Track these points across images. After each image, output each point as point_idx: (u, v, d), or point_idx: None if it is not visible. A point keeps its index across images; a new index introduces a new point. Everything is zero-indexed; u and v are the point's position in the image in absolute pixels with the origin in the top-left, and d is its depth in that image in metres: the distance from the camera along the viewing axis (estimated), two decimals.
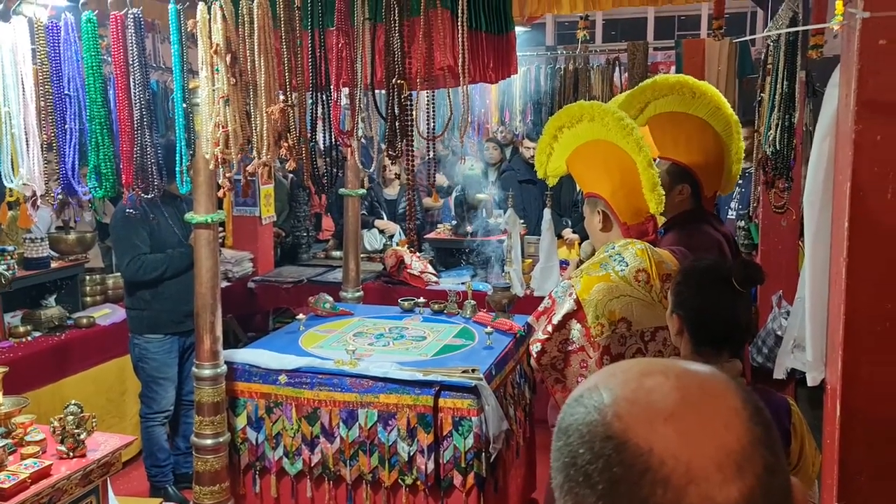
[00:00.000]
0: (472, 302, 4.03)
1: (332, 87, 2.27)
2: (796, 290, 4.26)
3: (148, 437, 3.96)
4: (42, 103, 2.28)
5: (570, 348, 2.29)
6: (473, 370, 3.12)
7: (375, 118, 2.36)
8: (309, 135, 2.25)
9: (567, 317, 2.27)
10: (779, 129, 2.57)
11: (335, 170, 2.37)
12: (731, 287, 1.78)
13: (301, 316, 3.91)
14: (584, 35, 5.83)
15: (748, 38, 5.27)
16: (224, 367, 3.16)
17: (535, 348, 2.32)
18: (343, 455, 3.17)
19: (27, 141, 2.25)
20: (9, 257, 3.81)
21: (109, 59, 2.47)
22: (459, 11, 2.43)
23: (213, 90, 2.20)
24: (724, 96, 3.31)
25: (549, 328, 2.29)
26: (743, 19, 15.40)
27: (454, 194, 5.91)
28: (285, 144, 2.17)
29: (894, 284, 1.48)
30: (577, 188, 5.72)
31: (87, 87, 2.29)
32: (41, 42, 2.30)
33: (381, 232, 6.07)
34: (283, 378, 3.23)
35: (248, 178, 2.24)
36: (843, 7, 1.51)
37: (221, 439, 3.16)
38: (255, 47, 2.14)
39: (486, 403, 3.04)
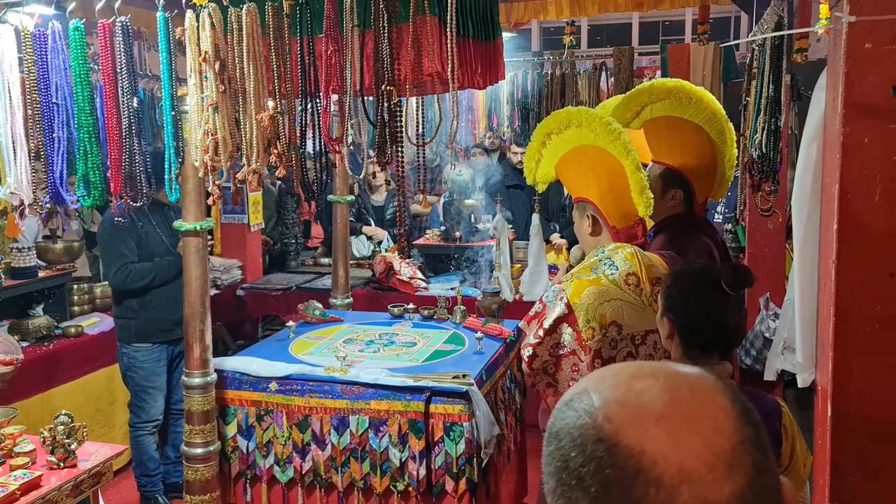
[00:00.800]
0: (462, 307, 4.04)
1: (321, 93, 2.27)
2: (784, 292, 4.29)
3: (137, 446, 3.93)
4: (29, 111, 2.26)
5: (561, 352, 2.30)
6: (464, 375, 3.12)
7: (365, 124, 2.36)
8: (298, 142, 2.25)
9: (558, 321, 2.28)
10: (765, 132, 2.60)
11: (324, 176, 2.37)
12: (721, 290, 1.79)
13: (291, 323, 3.89)
14: (571, 40, 5.87)
15: (733, 42, 5.31)
16: (214, 376, 3.15)
17: (526, 352, 2.32)
18: (334, 462, 3.16)
19: (14, 150, 2.24)
20: None
21: (97, 67, 2.47)
22: (447, 18, 2.44)
23: (202, 98, 2.19)
24: None
25: (541, 332, 2.29)
26: (727, 24, 15.53)
27: (442, 200, 5.92)
28: (275, 151, 2.16)
29: (883, 286, 1.49)
30: (566, 193, 5.74)
31: (74, 95, 2.28)
32: (28, 50, 2.29)
33: (369, 238, 6.07)
34: (273, 385, 3.21)
35: (238, 185, 2.24)
36: (828, 11, 1.53)
37: (212, 448, 3.14)
38: (244, 54, 2.13)
39: (477, 409, 3.04)
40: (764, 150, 2.60)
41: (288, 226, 6.01)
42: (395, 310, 4.18)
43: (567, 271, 3.34)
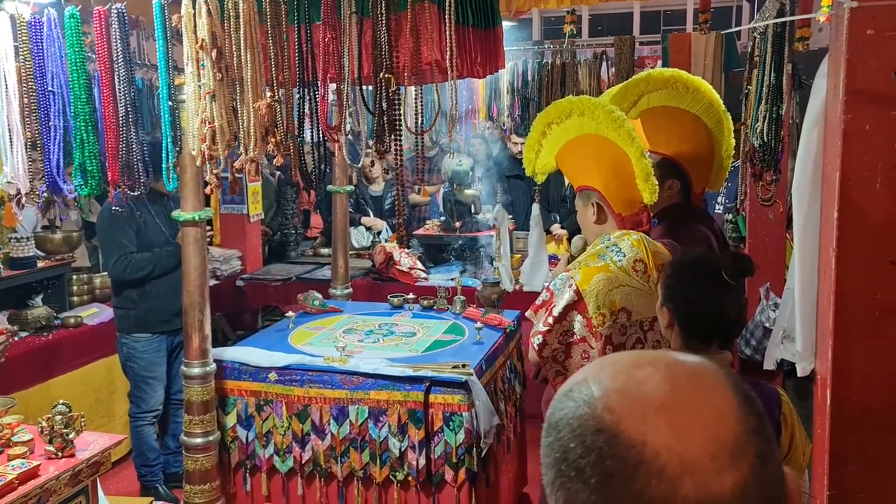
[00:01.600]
0: (462, 298, 4.03)
1: (318, 81, 2.26)
2: (784, 282, 4.29)
3: (137, 436, 3.94)
4: (25, 100, 2.25)
5: (571, 340, 2.31)
6: (464, 365, 3.12)
7: (363, 113, 2.35)
8: (296, 130, 2.24)
9: (568, 308, 2.29)
10: (766, 121, 2.58)
11: (323, 166, 2.36)
12: (721, 280, 1.78)
13: (290, 313, 3.89)
14: (571, 30, 5.83)
15: (734, 30, 5.28)
16: (213, 366, 3.15)
17: (536, 340, 2.32)
18: (334, 452, 3.16)
19: (11, 139, 2.22)
20: None
21: (94, 56, 2.45)
22: (446, 5, 2.42)
23: (199, 86, 2.18)
24: None
25: (550, 320, 2.30)
26: (728, 13, 15.47)
27: (442, 190, 5.90)
28: (272, 140, 2.15)
29: (884, 274, 1.48)
30: (566, 183, 5.73)
31: (70, 83, 2.26)
32: (24, 39, 2.27)
33: (369, 229, 6.06)
34: (272, 376, 3.21)
35: (236, 174, 2.22)
36: None
37: (211, 438, 3.14)
38: (241, 42, 2.12)
39: (476, 399, 3.04)
40: (765, 138, 2.59)
41: (287, 216, 6.00)
42: (395, 300, 4.17)
43: (568, 261, 3.34)
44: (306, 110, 2.26)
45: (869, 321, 1.50)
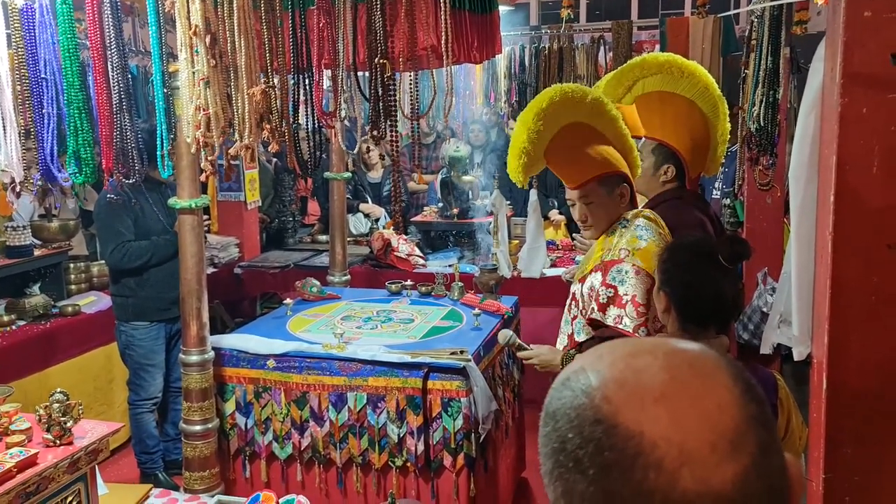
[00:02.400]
0: (460, 284, 4.03)
1: (313, 67, 2.24)
2: (782, 266, 4.29)
3: (137, 424, 3.95)
4: (18, 88, 2.23)
5: (657, 326, 2.27)
6: (462, 352, 3.12)
7: (359, 99, 2.33)
8: (291, 117, 2.22)
9: (648, 293, 2.23)
10: (763, 105, 2.57)
11: (319, 152, 2.35)
12: (718, 263, 1.78)
13: (288, 300, 3.89)
14: (569, 14, 5.80)
15: (732, 12, 5.26)
16: (211, 353, 3.15)
17: (641, 333, 2.24)
18: (333, 438, 3.17)
19: (4, 127, 2.21)
20: None
21: (87, 43, 2.43)
22: None
23: (193, 72, 2.16)
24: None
25: (640, 309, 2.23)
26: None
27: (440, 176, 5.89)
28: (267, 127, 2.14)
29: (880, 258, 1.48)
30: None
31: (63, 70, 2.25)
32: (16, 26, 2.25)
33: (367, 216, 6.05)
34: (271, 363, 3.22)
35: (231, 161, 2.21)
36: None
37: (210, 425, 3.15)
38: (235, 28, 2.10)
39: (474, 384, 3.05)
40: (762, 122, 2.58)
41: (285, 203, 5.99)
42: (393, 286, 4.17)
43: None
44: (301, 97, 2.25)
45: (865, 305, 1.50)
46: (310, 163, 2.27)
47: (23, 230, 4.13)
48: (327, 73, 2.51)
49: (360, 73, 2.62)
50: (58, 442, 2.15)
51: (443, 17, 2.39)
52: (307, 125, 2.26)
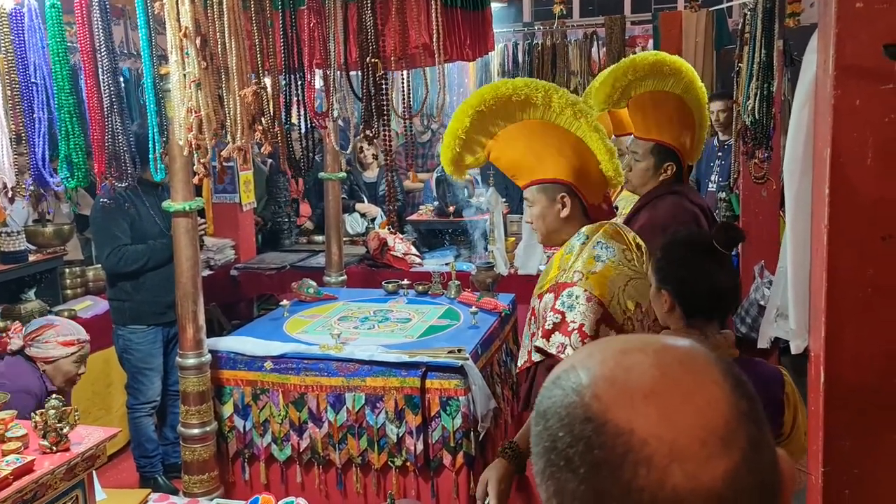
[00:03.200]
0: (457, 282, 4.03)
1: (305, 68, 2.23)
2: (777, 260, 4.29)
3: (136, 428, 3.93)
4: (9, 93, 2.22)
5: None
6: (459, 350, 3.12)
7: (351, 99, 2.32)
8: (284, 118, 2.21)
9: (598, 323, 2.04)
10: (757, 98, 2.57)
11: (311, 154, 2.34)
12: (713, 255, 1.79)
13: (285, 302, 3.88)
14: (561, 10, 5.79)
15: (725, 5, 5.25)
16: (208, 356, 3.14)
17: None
18: (332, 439, 3.17)
19: None
20: None
21: (77, 46, 2.42)
22: None
23: (184, 75, 2.15)
24: (701, 68, 3.31)
25: (586, 341, 2.01)
26: None
27: (435, 175, 5.88)
28: (259, 128, 2.13)
29: (876, 250, 1.47)
30: None
31: (53, 74, 2.24)
32: (5, 30, 2.24)
33: (363, 215, 6.04)
34: (268, 364, 3.21)
35: (224, 163, 2.20)
36: None
37: (208, 428, 3.14)
38: (225, 29, 2.09)
39: (472, 383, 3.04)
40: (756, 116, 2.58)
41: (280, 204, 5.98)
42: (390, 286, 4.16)
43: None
44: (293, 97, 2.24)
45: (861, 298, 1.49)
46: (302, 164, 2.26)
47: (17, 235, 4.11)
48: (319, 72, 2.50)
49: (352, 73, 2.61)
50: (54, 448, 2.14)
51: (434, 14, 2.38)
52: (300, 126, 2.25)
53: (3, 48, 2.19)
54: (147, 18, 2.18)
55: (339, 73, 2.30)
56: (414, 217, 5.88)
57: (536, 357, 2.16)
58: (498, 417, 3.39)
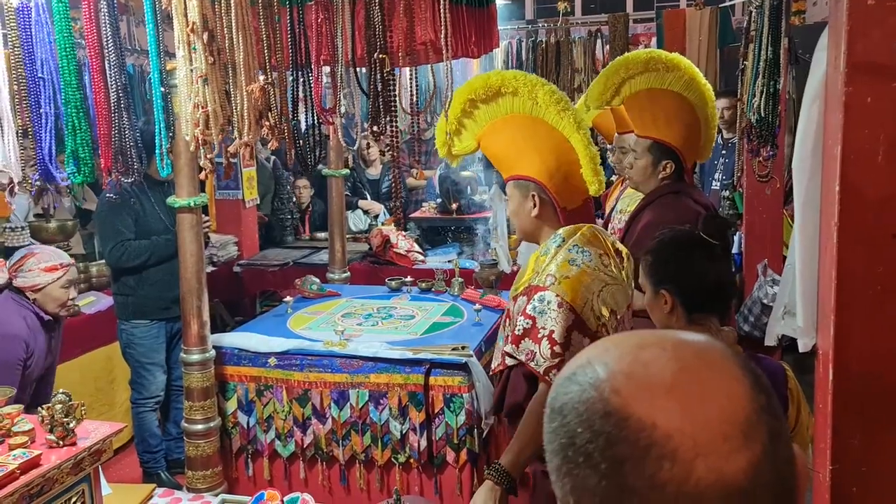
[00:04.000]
0: (460, 279, 4.02)
1: (312, 63, 2.23)
2: (781, 258, 4.29)
3: (139, 423, 3.94)
4: (16, 87, 2.22)
5: None
6: (463, 347, 3.12)
7: (358, 94, 2.32)
8: (290, 113, 2.21)
9: (569, 331, 2.00)
10: (763, 95, 2.56)
11: (319, 149, 2.34)
12: (703, 246, 1.81)
13: (288, 298, 3.88)
14: (565, 7, 5.79)
15: (728, 3, 5.25)
16: (212, 352, 3.14)
17: (553, 377, 1.96)
18: (335, 435, 3.17)
19: (2, 126, 2.20)
20: None
21: (83, 42, 2.41)
22: None
23: (191, 70, 2.15)
24: (705, 66, 3.31)
25: (557, 349, 1.99)
26: None
27: (438, 172, 5.88)
28: (266, 124, 2.12)
29: (886, 248, 1.47)
30: None
31: (60, 69, 2.23)
32: (12, 25, 2.24)
33: (366, 212, 6.04)
34: (272, 361, 3.21)
35: (230, 158, 2.20)
36: None
37: (212, 424, 3.14)
38: (233, 24, 2.09)
39: (476, 380, 3.04)
40: (762, 113, 2.57)
41: (283, 201, 5.98)
42: (393, 283, 4.16)
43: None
44: (300, 93, 2.23)
45: (871, 295, 1.49)
46: (310, 159, 2.26)
47: (21, 231, 4.12)
48: (326, 69, 2.49)
49: (358, 69, 2.60)
50: (61, 443, 2.14)
51: (441, 11, 2.37)
52: (307, 122, 2.25)
53: (10, 43, 2.19)
54: (155, 13, 2.18)
55: (346, 69, 2.30)
56: (417, 214, 5.88)
57: (510, 361, 2.13)
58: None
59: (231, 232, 5.47)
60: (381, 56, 2.17)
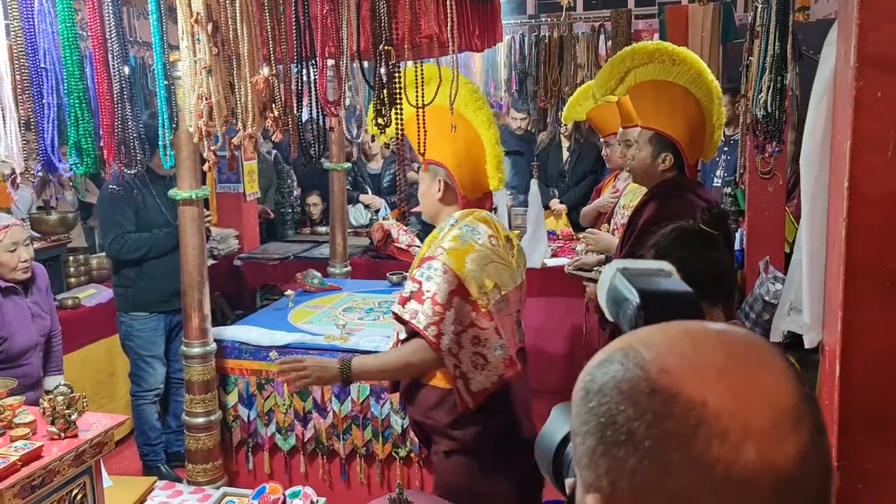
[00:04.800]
0: None
1: (317, 55, 2.22)
2: (783, 255, 4.27)
3: (139, 415, 3.94)
4: (18, 78, 2.20)
5: (459, 328, 2.19)
6: None
7: (362, 86, 2.31)
8: (295, 106, 2.20)
9: (451, 294, 2.18)
10: (770, 91, 2.55)
11: (322, 143, 2.33)
12: (703, 237, 1.82)
13: (289, 292, 3.87)
14: (568, 2, 5.77)
15: None
16: (213, 345, 3.13)
17: (430, 332, 2.18)
18: (336, 429, 3.17)
19: (4, 117, 2.18)
20: None
21: (86, 34, 2.40)
22: None
23: (195, 61, 2.13)
24: (707, 63, 3.28)
25: (438, 308, 2.17)
26: None
27: None
28: (270, 115, 2.11)
29: (894, 243, 1.46)
30: (565, 158, 5.69)
31: (63, 60, 2.22)
32: (14, 15, 2.22)
33: (367, 207, 6.03)
34: (273, 354, 3.20)
35: (234, 150, 2.19)
36: None
37: (213, 417, 3.14)
38: (237, 15, 2.07)
39: None
40: (769, 109, 2.56)
41: (284, 195, 5.96)
42: (394, 277, 4.16)
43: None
44: (304, 85, 2.22)
45: (879, 291, 1.49)
46: (314, 152, 2.25)
47: (21, 223, 4.10)
48: (330, 62, 2.48)
49: (363, 62, 2.58)
50: (62, 435, 2.13)
51: (446, 4, 2.36)
52: (311, 114, 2.24)
53: (13, 33, 2.18)
54: (158, 3, 2.16)
55: (350, 61, 2.29)
56: (418, 209, 5.86)
57: (398, 326, 2.34)
58: None
59: (232, 225, 5.46)
60: (385, 48, 2.16)
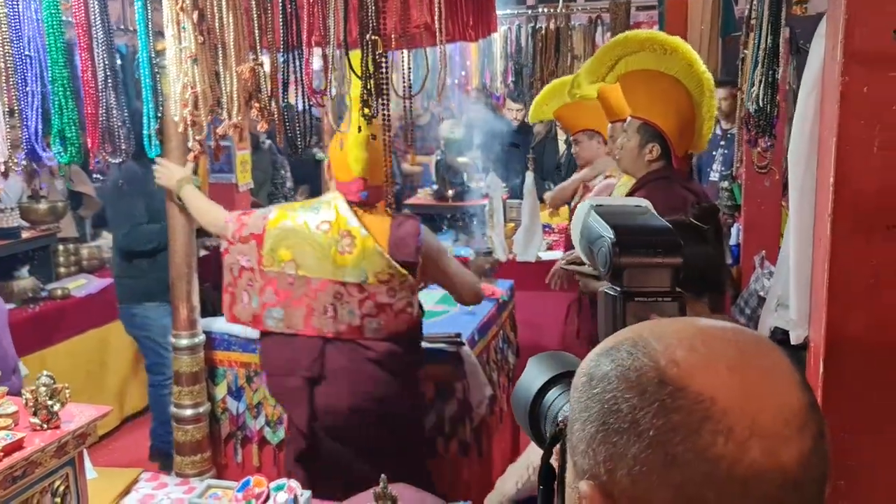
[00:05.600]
0: None
1: (303, 44, 2.19)
2: (779, 250, 4.26)
3: (163, 406, 3.88)
4: (2, 65, 2.18)
5: (243, 263, 2.65)
6: (456, 336, 3.10)
7: (350, 77, 2.28)
8: (280, 95, 2.17)
9: (251, 236, 2.60)
10: (762, 85, 2.53)
11: (308, 133, 2.31)
12: (693, 231, 1.81)
13: None
14: None
15: None
16: (202, 337, 3.12)
17: (222, 245, 2.72)
18: None
19: None
20: None
21: (72, 21, 2.37)
22: None
23: (181, 49, 2.11)
24: (707, 55, 3.26)
25: (237, 235, 2.65)
26: None
27: (435, 158, 5.85)
28: (256, 105, 2.09)
29: (880, 240, 1.45)
30: (561, 151, 5.67)
31: (48, 47, 2.20)
32: None
33: None
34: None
35: (219, 140, 2.17)
36: None
37: (201, 409, 3.12)
38: (223, 4, 2.05)
39: (468, 370, 3.02)
40: (761, 103, 2.54)
41: (277, 185, 5.94)
42: None
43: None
44: (291, 74, 2.20)
45: (864, 287, 1.47)
46: (300, 142, 2.23)
47: (10, 212, 4.08)
48: (318, 52, 2.45)
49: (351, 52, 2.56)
50: (45, 426, 2.11)
51: None
52: (297, 104, 2.22)
53: None
54: None
55: (338, 51, 2.26)
56: (412, 201, 5.85)
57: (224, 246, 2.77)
58: (493, 405, 3.38)
59: None
60: (373, 38, 2.13)
